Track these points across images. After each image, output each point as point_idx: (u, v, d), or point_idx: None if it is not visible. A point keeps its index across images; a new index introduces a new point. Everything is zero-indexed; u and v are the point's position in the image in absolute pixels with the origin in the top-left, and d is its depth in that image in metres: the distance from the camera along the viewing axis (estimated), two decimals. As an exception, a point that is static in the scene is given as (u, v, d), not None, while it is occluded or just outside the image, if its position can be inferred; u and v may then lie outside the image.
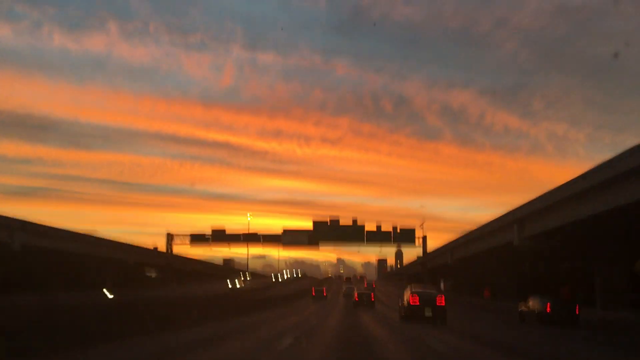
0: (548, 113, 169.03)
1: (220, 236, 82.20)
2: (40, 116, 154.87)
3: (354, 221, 78.61)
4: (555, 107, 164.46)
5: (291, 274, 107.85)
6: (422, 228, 78.58)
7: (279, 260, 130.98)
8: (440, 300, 22.93)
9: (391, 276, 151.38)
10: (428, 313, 22.37)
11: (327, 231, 78.28)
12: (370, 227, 77.81)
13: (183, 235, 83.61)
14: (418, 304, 22.66)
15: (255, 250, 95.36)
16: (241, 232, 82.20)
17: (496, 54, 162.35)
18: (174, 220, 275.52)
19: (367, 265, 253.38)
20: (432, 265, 75.54)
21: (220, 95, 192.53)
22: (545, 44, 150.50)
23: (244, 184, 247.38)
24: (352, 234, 78.02)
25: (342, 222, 78.80)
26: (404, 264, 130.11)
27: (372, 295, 42.10)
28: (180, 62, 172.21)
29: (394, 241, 77.92)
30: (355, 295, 42.07)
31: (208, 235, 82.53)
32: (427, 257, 78.29)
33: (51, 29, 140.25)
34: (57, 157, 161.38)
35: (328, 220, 78.94)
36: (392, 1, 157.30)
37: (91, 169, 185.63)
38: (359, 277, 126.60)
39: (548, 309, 23.91)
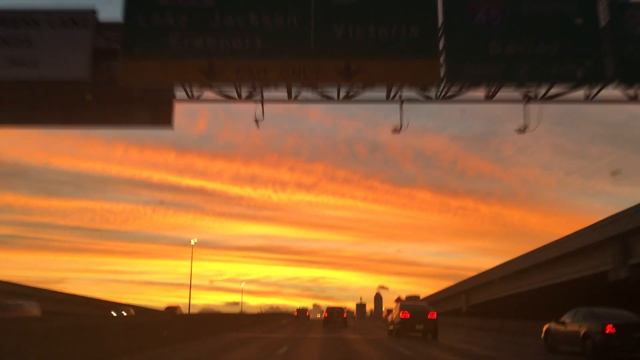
0: (519, 159, 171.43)
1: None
2: (9, 163, 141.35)
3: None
4: (526, 152, 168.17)
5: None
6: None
7: (242, 297, 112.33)
8: (432, 314, 22.00)
9: (370, 319, 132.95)
10: (419, 327, 21.69)
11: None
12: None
13: None
14: (409, 317, 21.83)
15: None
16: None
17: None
18: (149, 267, 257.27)
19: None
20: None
21: (194, 141, 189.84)
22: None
23: (219, 230, 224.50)
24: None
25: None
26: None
27: (345, 313, 38.24)
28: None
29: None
30: (325, 312, 38.74)
31: None
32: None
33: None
34: (27, 204, 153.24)
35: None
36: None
37: (61, 216, 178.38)
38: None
39: (609, 330, 14.24)
